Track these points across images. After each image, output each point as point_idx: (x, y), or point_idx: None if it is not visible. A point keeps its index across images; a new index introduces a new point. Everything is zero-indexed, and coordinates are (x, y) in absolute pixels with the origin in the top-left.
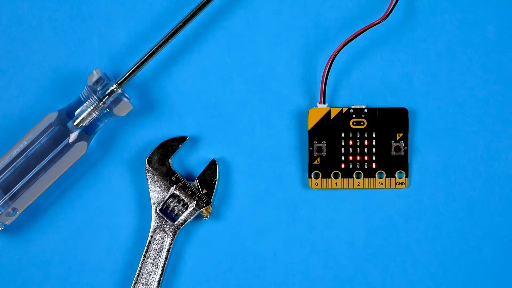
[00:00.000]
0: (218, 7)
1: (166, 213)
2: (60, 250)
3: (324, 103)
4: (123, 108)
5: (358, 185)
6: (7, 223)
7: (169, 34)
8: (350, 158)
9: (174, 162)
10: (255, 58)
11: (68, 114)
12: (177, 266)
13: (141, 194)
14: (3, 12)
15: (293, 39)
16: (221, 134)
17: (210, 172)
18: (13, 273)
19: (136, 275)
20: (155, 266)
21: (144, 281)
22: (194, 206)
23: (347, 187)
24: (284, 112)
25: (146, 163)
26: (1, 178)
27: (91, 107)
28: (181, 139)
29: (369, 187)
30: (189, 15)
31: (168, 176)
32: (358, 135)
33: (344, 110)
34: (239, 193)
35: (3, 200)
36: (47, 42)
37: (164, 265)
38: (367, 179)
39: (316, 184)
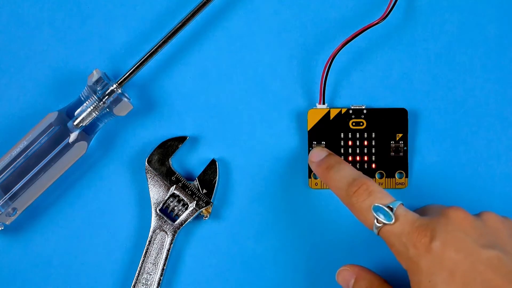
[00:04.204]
0: (218, 7)
1: (166, 213)
2: (60, 250)
3: (323, 103)
4: (123, 108)
5: None
6: (7, 223)
7: (169, 34)
8: (350, 158)
9: (174, 162)
10: (255, 58)
11: (68, 114)
12: (177, 266)
13: (141, 194)
14: (3, 12)
15: (293, 39)
16: (221, 134)
17: (210, 172)
18: (13, 273)
19: (136, 275)
20: (155, 266)
21: (144, 281)
22: (194, 206)
23: None
24: (284, 112)
25: (146, 163)
26: (1, 178)
27: (91, 107)
28: (181, 139)
29: None
30: (189, 15)
31: (168, 176)
32: (358, 136)
33: (344, 110)
34: (239, 193)
35: (3, 200)
36: (47, 42)
37: (164, 265)
38: None
39: (316, 184)
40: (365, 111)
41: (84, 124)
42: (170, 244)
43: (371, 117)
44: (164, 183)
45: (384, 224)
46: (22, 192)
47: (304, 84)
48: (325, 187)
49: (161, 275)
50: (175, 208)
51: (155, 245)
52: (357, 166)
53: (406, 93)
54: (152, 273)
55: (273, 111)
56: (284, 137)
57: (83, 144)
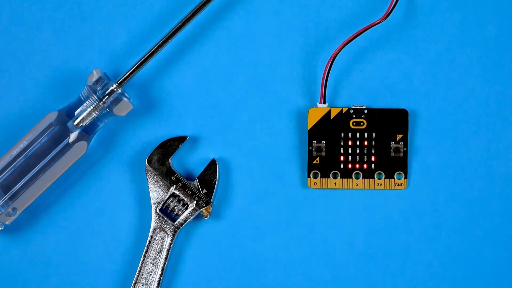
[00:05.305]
0: (218, 7)
1: (166, 213)
2: (60, 250)
3: (324, 103)
4: (123, 108)
5: (357, 185)
6: (7, 223)
7: (169, 34)
8: (350, 158)
9: (174, 162)
10: (255, 58)
11: (68, 114)
12: (177, 266)
13: (141, 194)
14: (3, 12)
15: (293, 39)
16: (221, 134)
17: (210, 172)
18: (13, 273)
19: (136, 275)
20: (155, 266)
21: (144, 281)
22: (194, 206)
23: (346, 187)
24: (284, 112)
25: (146, 163)
26: (1, 178)
27: (91, 107)
28: (181, 139)
29: (368, 188)
30: (189, 15)
31: (168, 176)
32: (358, 136)
33: (344, 110)
34: (239, 193)
35: (3, 200)
36: (47, 42)
37: (164, 265)
38: (366, 179)
39: (315, 183)
40: (365, 111)
41: (84, 124)
42: (170, 244)
43: (372, 117)
44: (164, 183)
45: None
46: (22, 192)
47: (304, 84)
48: (324, 186)
49: (161, 275)
50: (175, 208)
51: (155, 245)
52: (357, 166)
53: (406, 93)
54: (152, 273)
55: (273, 111)
56: (284, 137)
57: (83, 144)
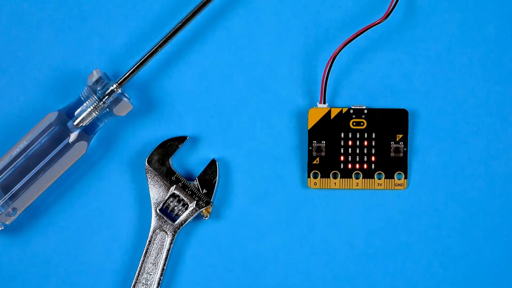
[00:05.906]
0: (218, 7)
1: (166, 213)
2: (60, 250)
3: (324, 103)
4: (123, 108)
5: (357, 185)
6: (7, 223)
7: (169, 34)
8: (350, 158)
9: (174, 162)
10: (255, 58)
11: (68, 114)
12: (177, 266)
13: (141, 194)
14: (3, 12)
15: (293, 39)
16: (221, 134)
17: (210, 172)
18: (13, 273)
19: (136, 275)
20: (155, 266)
21: (144, 281)
22: (194, 206)
23: (346, 187)
24: (284, 112)
25: (146, 163)
26: (1, 178)
27: (91, 107)
28: (181, 139)
29: (368, 188)
30: (189, 15)
31: (168, 176)
32: (358, 136)
33: (344, 110)
34: (239, 193)
35: (3, 200)
36: (47, 42)
37: (164, 265)
38: (366, 179)
39: (315, 183)
40: (365, 111)
41: (84, 124)
42: (170, 244)
43: (372, 117)
44: (164, 183)
45: None
46: (22, 192)
47: (304, 84)
48: (324, 186)
49: (161, 275)
50: (175, 208)
51: (155, 245)
52: (357, 166)
53: (406, 93)
54: (152, 273)
55: (273, 111)
56: (284, 137)
57: (83, 144)
